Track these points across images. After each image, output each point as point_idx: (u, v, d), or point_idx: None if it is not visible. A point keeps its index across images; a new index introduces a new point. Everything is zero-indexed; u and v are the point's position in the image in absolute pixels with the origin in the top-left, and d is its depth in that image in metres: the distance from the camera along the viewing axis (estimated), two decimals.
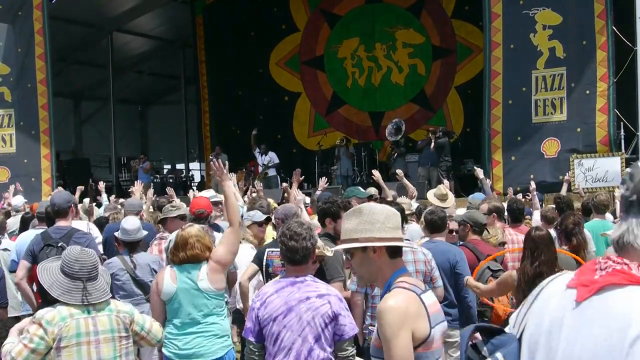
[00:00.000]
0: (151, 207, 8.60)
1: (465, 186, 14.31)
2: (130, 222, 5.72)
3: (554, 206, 7.72)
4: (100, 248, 6.48)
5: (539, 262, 4.33)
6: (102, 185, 11.67)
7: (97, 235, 6.85)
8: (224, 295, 4.42)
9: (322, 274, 4.31)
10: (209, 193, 6.86)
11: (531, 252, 4.37)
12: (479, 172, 9.69)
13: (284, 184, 7.84)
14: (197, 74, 21.29)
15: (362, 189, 7.55)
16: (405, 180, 9.79)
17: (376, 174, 8.59)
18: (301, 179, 8.01)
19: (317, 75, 19.73)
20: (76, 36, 19.39)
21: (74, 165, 20.06)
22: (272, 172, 17.00)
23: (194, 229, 4.43)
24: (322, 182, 8.48)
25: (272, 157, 17.09)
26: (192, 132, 22.79)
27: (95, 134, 22.43)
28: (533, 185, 9.29)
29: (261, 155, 17.12)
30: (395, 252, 2.61)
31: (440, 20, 18.21)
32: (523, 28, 12.52)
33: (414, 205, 7.90)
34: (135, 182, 9.10)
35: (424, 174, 14.92)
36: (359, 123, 19.24)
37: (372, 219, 2.60)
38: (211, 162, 4.44)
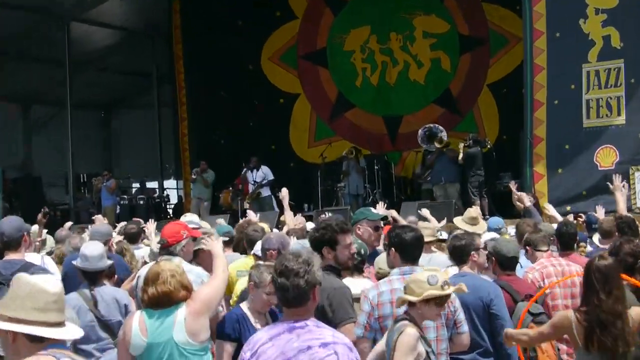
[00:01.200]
0: (118, 235, 8.63)
1: (501, 206, 14.28)
2: (92, 248, 5.76)
3: (612, 218, 7.72)
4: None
5: (614, 299, 4.33)
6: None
7: (54, 272, 6.84)
8: (207, 348, 4.39)
9: (325, 317, 4.29)
10: (186, 218, 6.88)
11: (601, 287, 4.34)
12: (526, 199, 9.58)
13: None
14: (173, 72, 21.35)
15: (373, 210, 7.55)
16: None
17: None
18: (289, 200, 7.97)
19: (319, 73, 19.84)
20: (25, 25, 19.51)
21: (22, 184, 20.10)
22: (265, 192, 16.94)
23: (169, 263, 4.45)
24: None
25: (265, 173, 16.98)
26: (167, 143, 22.81)
27: (48, 146, 22.48)
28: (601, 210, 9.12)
29: (252, 171, 17.03)
30: (37, 338, 2.74)
31: (469, 4, 18.30)
32: (571, 13, 12.56)
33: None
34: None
35: (441, 193, 14.79)
36: (370, 130, 19.30)
37: (14, 294, 2.76)
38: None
